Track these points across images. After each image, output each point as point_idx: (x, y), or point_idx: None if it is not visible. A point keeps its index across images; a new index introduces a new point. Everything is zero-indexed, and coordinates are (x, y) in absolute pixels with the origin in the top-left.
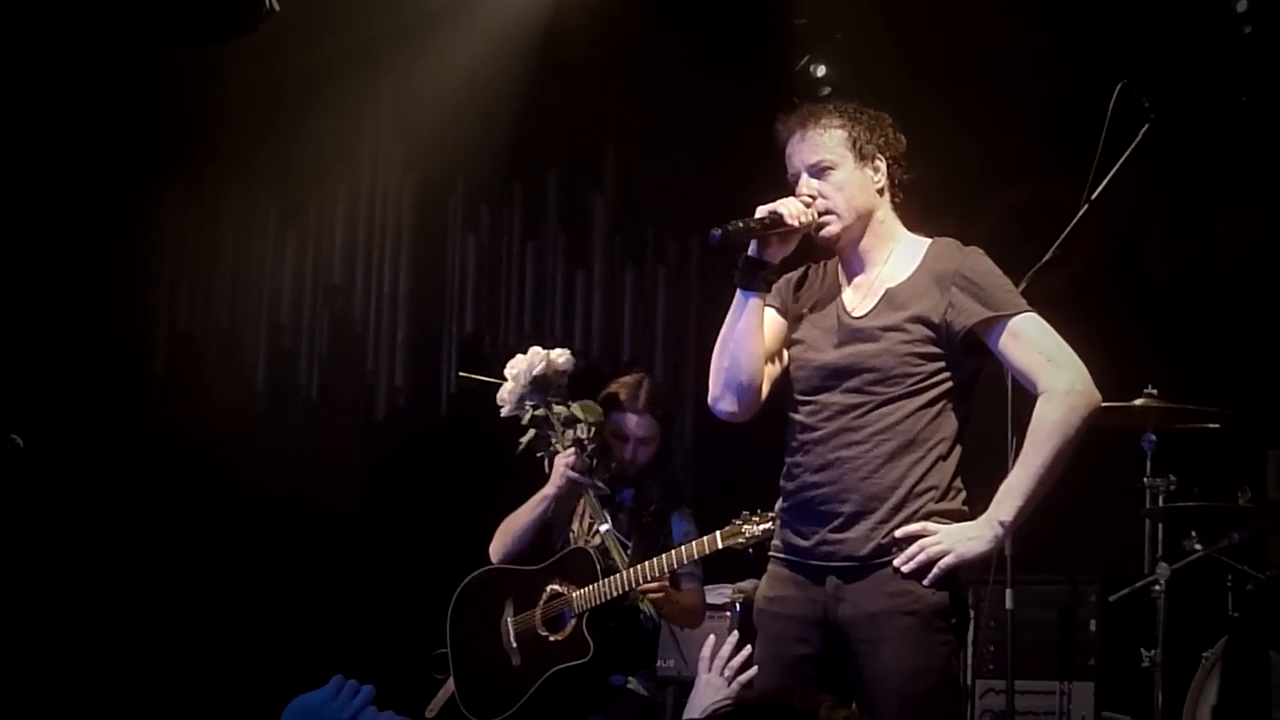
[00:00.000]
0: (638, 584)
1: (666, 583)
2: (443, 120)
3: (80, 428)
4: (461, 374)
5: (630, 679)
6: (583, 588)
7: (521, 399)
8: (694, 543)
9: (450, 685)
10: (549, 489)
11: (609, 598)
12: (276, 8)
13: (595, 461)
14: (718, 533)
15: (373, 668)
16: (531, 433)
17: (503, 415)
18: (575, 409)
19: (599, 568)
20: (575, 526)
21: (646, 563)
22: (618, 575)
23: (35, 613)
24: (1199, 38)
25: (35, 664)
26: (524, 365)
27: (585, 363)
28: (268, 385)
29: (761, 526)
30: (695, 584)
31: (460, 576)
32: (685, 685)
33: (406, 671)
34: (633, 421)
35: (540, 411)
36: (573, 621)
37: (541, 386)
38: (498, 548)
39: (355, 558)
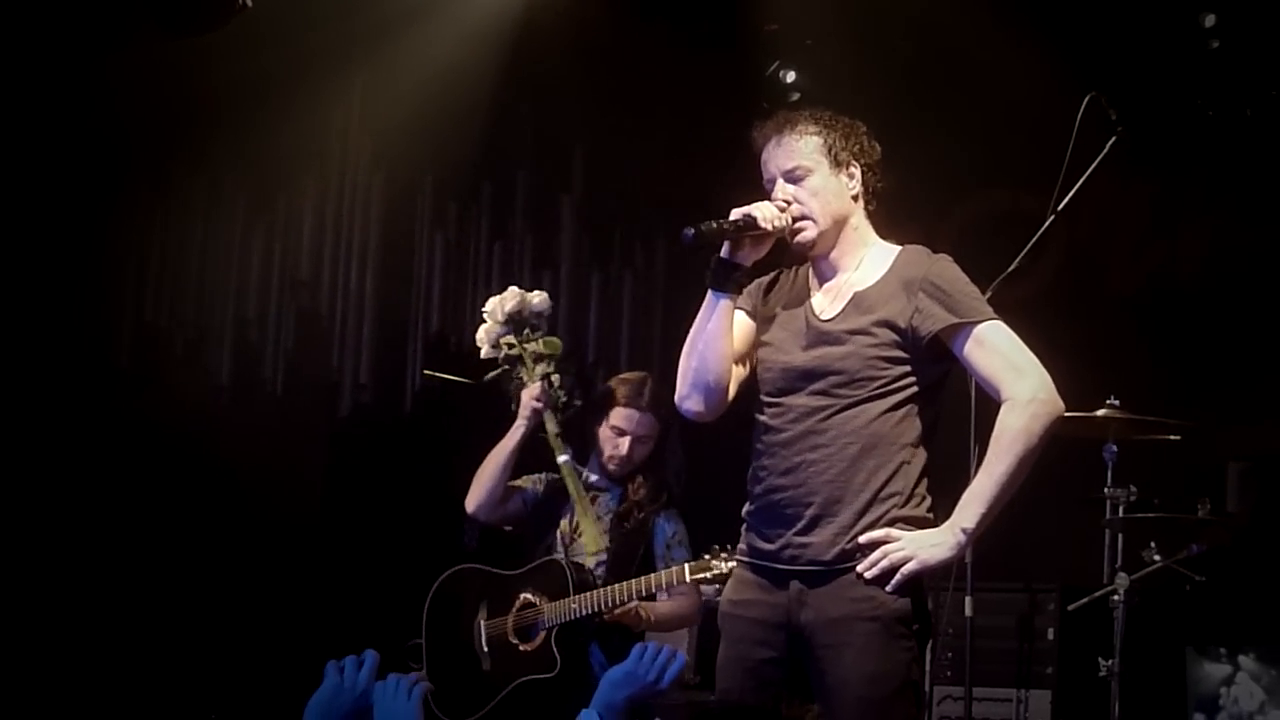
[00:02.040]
0: (608, 606)
1: (634, 606)
2: (412, 119)
3: (44, 420)
4: (426, 371)
5: None
6: (554, 601)
7: (497, 338)
8: (662, 572)
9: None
10: (520, 424)
11: (578, 615)
12: (249, 3)
13: (562, 395)
14: (686, 565)
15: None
16: (502, 369)
17: (482, 356)
18: (537, 345)
19: (571, 582)
20: (564, 525)
21: (615, 587)
22: (587, 596)
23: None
24: (1167, 52)
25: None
26: (499, 303)
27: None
28: (233, 380)
29: (729, 564)
30: (686, 586)
31: (422, 572)
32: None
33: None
34: (634, 419)
35: (515, 350)
36: (542, 634)
37: (516, 323)
38: (474, 496)
39: (318, 553)
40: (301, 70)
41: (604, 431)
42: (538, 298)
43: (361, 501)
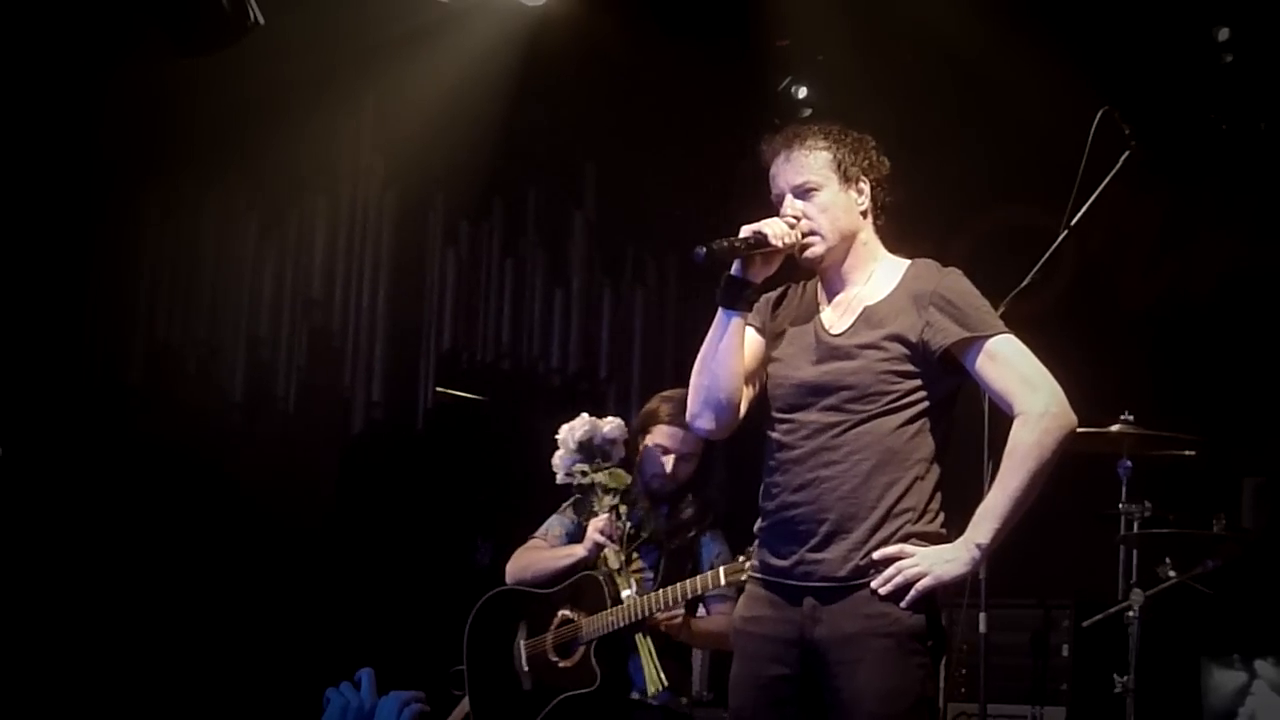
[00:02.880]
0: (645, 615)
1: (679, 613)
2: (423, 136)
3: (58, 437)
4: (439, 389)
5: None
6: (591, 615)
7: (571, 466)
8: (698, 577)
9: (465, 704)
10: (580, 550)
11: (617, 627)
12: (261, 21)
13: (628, 527)
14: (721, 569)
15: (346, 678)
16: (576, 498)
17: (557, 482)
18: (602, 476)
19: (608, 596)
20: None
21: (652, 595)
22: (625, 607)
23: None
24: (1181, 66)
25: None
26: (569, 431)
27: (562, 380)
28: (245, 397)
29: None
30: (726, 605)
31: (435, 589)
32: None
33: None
34: (679, 436)
35: (587, 479)
36: (581, 649)
37: (587, 451)
38: (513, 574)
39: (330, 570)
40: (313, 88)
41: (648, 449)
42: (609, 425)
43: (374, 518)
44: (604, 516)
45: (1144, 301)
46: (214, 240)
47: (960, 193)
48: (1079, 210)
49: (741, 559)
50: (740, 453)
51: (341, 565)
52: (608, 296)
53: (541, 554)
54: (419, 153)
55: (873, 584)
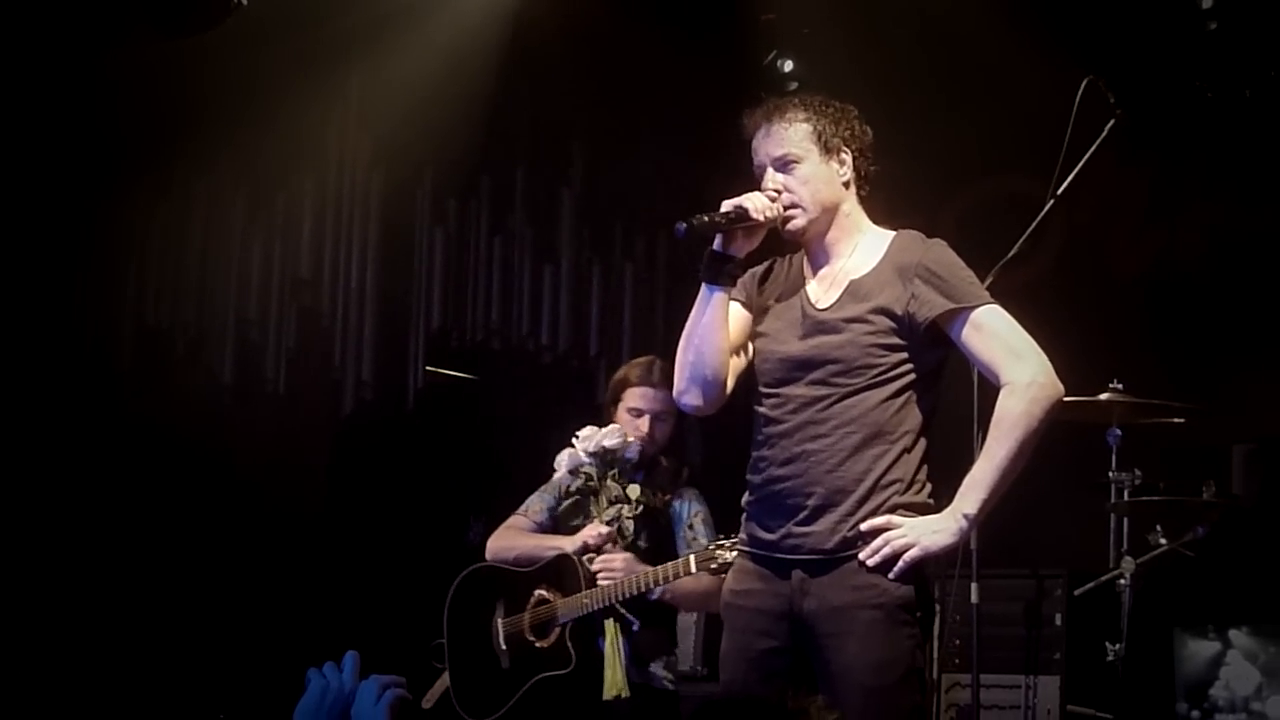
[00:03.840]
0: (619, 599)
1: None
2: (410, 115)
3: (46, 422)
4: (429, 368)
5: (654, 666)
6: (567, 596)
7: (578, 465)
8: (669, 564)
9: (446, 678)
10: (566, 546)
11: (590, 610)
12: (244, 2)
13: (630, 539)
14: (691, 556)
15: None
16: (574, 499)
17: (555, 478)
18: (630, 490)
19: (583, 577)
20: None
21: (624, 580)
22: (599, 590)
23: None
24: (1165, 34)
25: None
26: (594, 434)
27: (552, 357)
28: (235, 380)
29: (733, 554)
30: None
31: (427, 569)
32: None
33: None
34: (650, 395)
35: (592, 482)
36: (557, 630)
37: (604, 460)
38: (494, 553)
39: (323, 551)
40: (299, 68)
41: (622, 416)
42: (635, 443)
43: (365, 499)
44: (606, 528)
45: (1132, 270)
46: (202, 222)
47: (947, 163)
48: (1066, 180)
49: (714, 546)
50: (719, 424)
51: (334, 546)
52: (597, 273)
53: (525, 539)
54: (406, 132)
55: (860, 555)
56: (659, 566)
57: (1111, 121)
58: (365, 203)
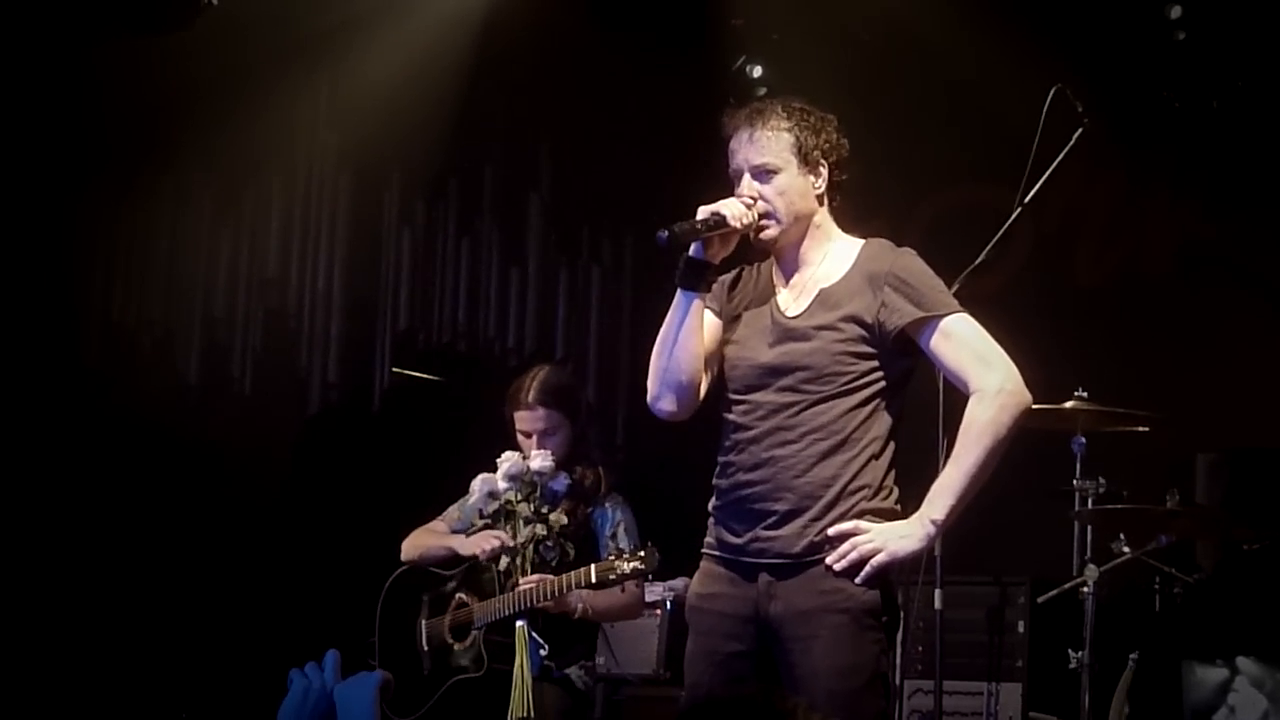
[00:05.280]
0: (527, 606)
1: (566, 600)
2: (379, 115)
3: (11, 419)
4: (395, 369)
5: (571, 669)
6: (483, 601)
7: (493, 487)
8: (571, 573)
9: None
10: (459, 550)
11: (502, 616)
12: (215, 2)
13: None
14: (593, 566)
15: (304, 656)
16: (484, 523)
17: (470, 502)
18: (554, 517)
19: (498, 583)
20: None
21: (534, 587)
22: (509, 596)
23: None
24: (1133, 43)
25: None
26: (516, 460)
27: (518, 359)
28: (201, 378)
29: (631, 564)
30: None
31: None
32: (613, 682)
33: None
34: (526, 417)
35: (509, 508)
36: (474, 633)
37: (526, 484)
38: (406, 554)
39: (286, 551)
40: (268, 68)
41: (520, 441)
42: (563, 476)
43: (330, 499)
44: (499, 537)
45: (1098, 279)
46: (169, 221)
47: (914, 171)
48: (1033, 188)
49: (611, 557)
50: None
51: (297, 545)
52: (564, 276)
53: (429, 539)
54: (374, 132)
55: (827, 560)
56: (564, 575)
57: (1079, 130)
58: (333, 203)
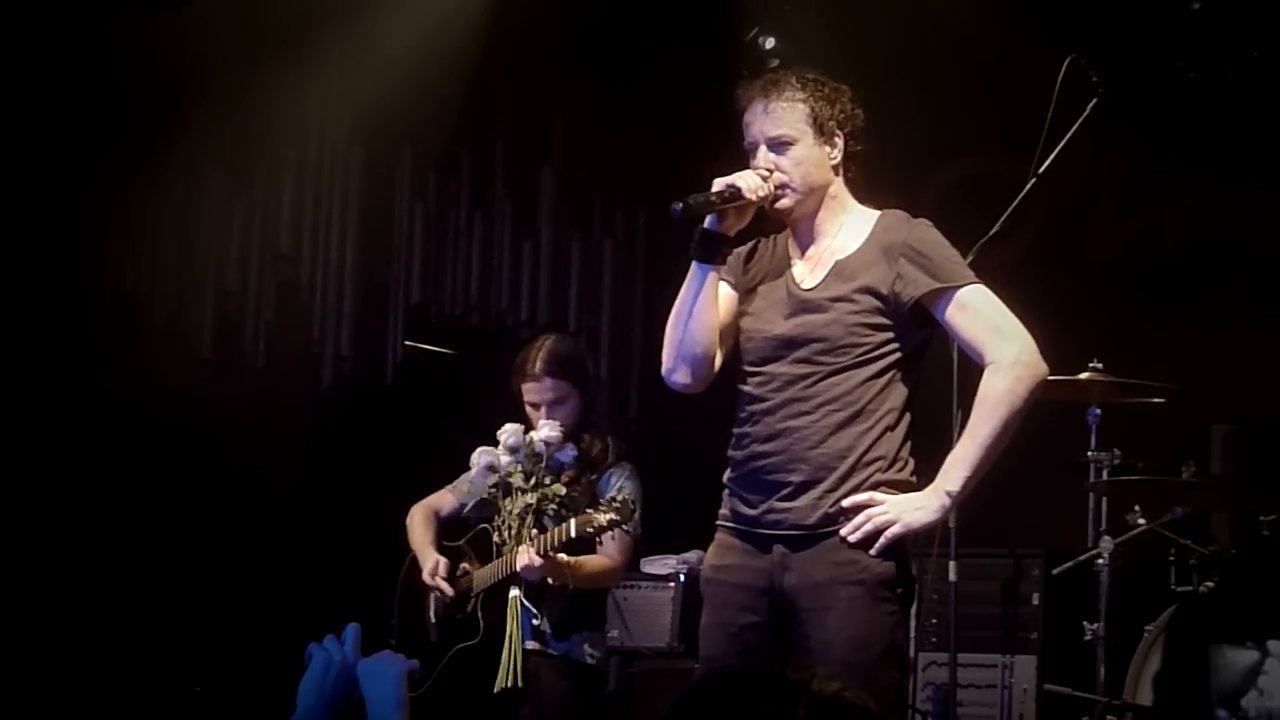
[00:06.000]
0: (512, 570)
1: (554, 564)
2: (391, 89)
3: (23, 395)
4: (408, 343)
5: (581, 645)
6: (482, 568)
7: (491, 465)
8: (553, 530)
9: None
10: (425, 572)
11: (495, 581)
12: None
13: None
14: (572, 520)
15: (319, 631)
16: (486, 495)
17: (470, 474)
18: (555, 488)
19: (494, 554)
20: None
21: (521, 548)
22: (500, 561)
23: None
24: (1148, 13)
25: None
26: (517, 431)
27: (531, 332)
28: (214, 352)
29: (608, 516)
30: (613, 545)
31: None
32: (627, 655)
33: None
34: (534, 389)
35: (511, 478)
36: (473, 601)
37: (531, 457)
38: (409, 526)
39: (301, 525)
40: (279, 42)
41: (529, 413)
42: (570, 448)
43: (343, 473)
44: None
45: (1113, 249)
46: (181, 195)
47: (929, 142)
48: (1047, 159)
49: (590, 511)
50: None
51: (312, 519)
52: (576, 248)
53: (417, 531)
54: (386, 105)
55: (842, 531)
56: (547, 533)
57: (1093, 101)
58: (345, 177)
